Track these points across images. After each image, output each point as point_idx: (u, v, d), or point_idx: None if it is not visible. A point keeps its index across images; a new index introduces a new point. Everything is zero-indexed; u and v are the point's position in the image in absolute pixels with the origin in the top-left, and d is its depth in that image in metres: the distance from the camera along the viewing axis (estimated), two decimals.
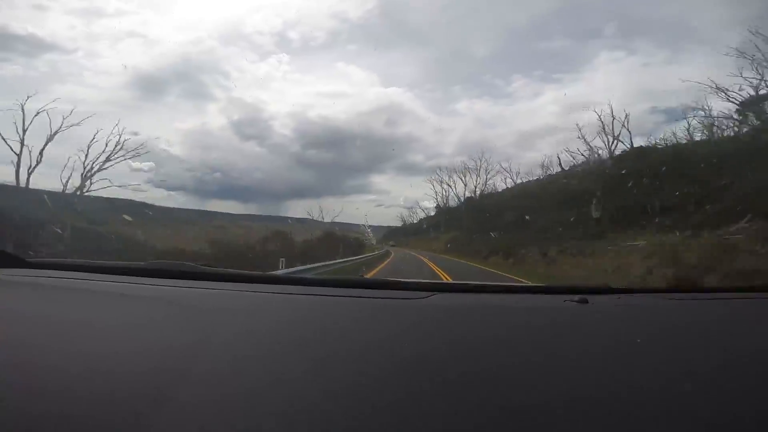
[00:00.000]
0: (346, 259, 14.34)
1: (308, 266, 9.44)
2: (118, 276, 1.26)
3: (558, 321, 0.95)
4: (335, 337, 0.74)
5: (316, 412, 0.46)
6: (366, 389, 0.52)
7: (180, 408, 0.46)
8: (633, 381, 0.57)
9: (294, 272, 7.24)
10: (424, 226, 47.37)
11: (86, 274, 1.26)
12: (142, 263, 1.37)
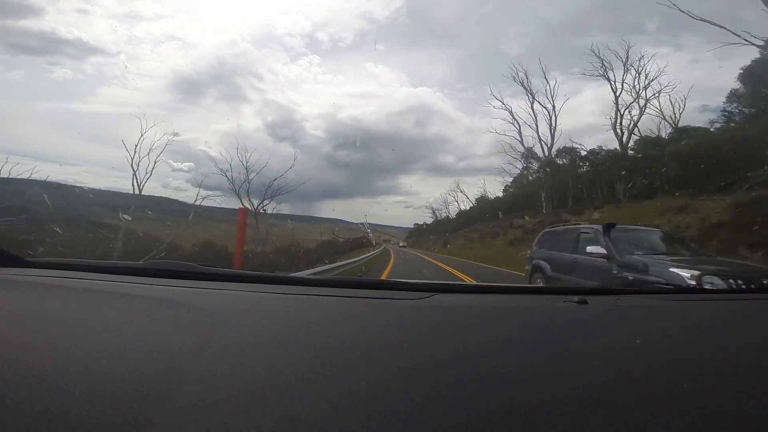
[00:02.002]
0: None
1: None
2: (118, 276, 1.26)
3: (557, 321, 0.95)
4: (335, 338, 0.74)
5: (317, 412, 0.46)
6: (366, 389, 0.52)
7: (180, 408, 0.46)
8: (632, 382, 0.57)
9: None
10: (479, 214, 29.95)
11: (86, 273, 1.26)
12: (142, 263, 1.37)
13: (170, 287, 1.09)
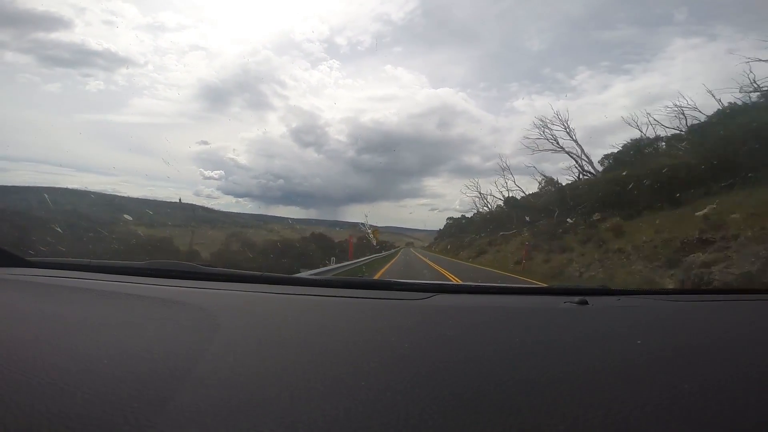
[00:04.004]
0: None
1: None
2: (117, 275, 1.26)
3: (558, 322, 0.95)
4: (336, 338, 0.74)
5: (317, 413, 0.46)
6: (367, 389, 0.52)
7: (180, 409, 0.46)
8: (633, 382, 0.57)
9: None
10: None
11: (86, 273, 1.26)
12: (142, 263, 1.37)
13: (171, 287, 1.09)
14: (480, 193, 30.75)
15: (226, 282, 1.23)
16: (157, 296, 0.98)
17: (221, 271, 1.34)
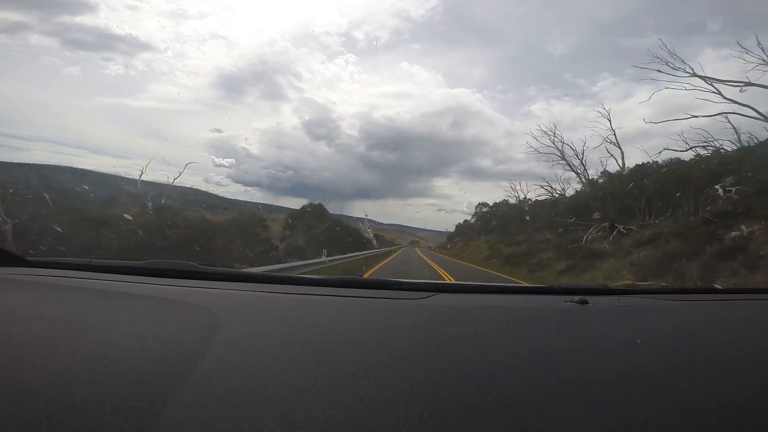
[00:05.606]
0: None
1: None
2: (118, 275, 1.26)
3: (558, 321, 0.95)
4: (336, 337, 0.74)
5: (318, 412, 0.46)
6: (366, 389, 0.52)
7: (181, 408, 0.46)
8: (633, 381, 0.57)
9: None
10: None
11: (87, 273, 1.26)
12: (142, 262, 1.37)
13: (171, 287, 1.09)
14: (579, 158, 18.36)
15: (226, 281, 1.23)
16: (157, 296, 0.98)
17: (221, 271, 1.34)
